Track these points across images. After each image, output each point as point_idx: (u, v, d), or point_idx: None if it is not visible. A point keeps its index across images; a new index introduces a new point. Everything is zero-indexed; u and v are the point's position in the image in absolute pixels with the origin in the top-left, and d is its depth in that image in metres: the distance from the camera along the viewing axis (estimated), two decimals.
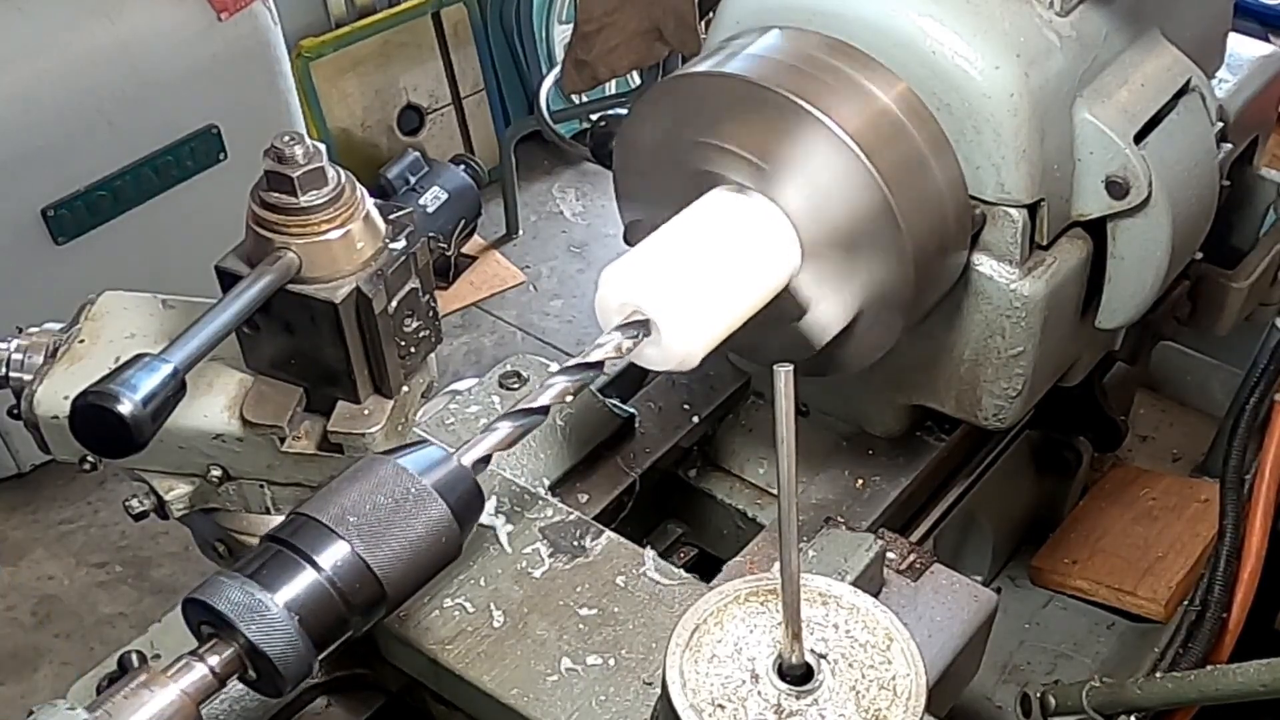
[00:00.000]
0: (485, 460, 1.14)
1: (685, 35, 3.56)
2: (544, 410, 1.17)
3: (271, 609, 1.01)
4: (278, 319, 1.22)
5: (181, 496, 1.33)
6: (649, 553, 1.41)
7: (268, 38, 3.36)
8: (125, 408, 1.04)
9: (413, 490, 1.08)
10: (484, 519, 1.44)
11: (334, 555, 1.04)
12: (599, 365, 1.21)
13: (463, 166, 4.25)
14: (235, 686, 1.29)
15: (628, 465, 1.67)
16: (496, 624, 1.34)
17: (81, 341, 1.32)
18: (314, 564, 1.03)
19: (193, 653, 1.01)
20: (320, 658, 1.05)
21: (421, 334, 1.28)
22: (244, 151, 3.30)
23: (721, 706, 0.99)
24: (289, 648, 1.01)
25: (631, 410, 1.71)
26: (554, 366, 1.61)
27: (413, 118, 4.39)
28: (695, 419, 1.74)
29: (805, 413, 1.75)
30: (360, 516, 1.05)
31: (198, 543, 1.46)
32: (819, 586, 1.06)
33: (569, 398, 1.20)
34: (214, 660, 1.01)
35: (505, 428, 1.16)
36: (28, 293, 3.03)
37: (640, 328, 1.23)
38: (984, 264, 1.44)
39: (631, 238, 1.49)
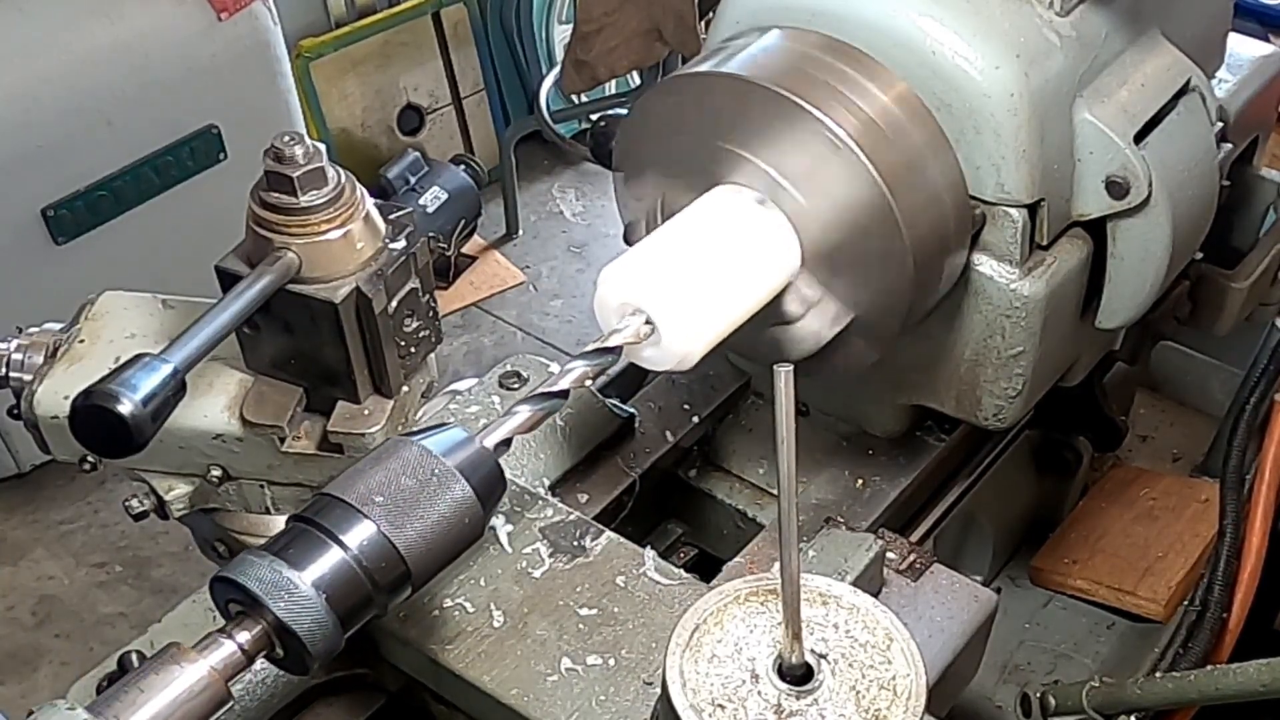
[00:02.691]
0: (506, 443, 1.16)
1: (685, 35, 3.56)
2: (564, 394, 1.18)
3: (299, 587, 1.02)
4: (278, 319, 1.22)
5: (181, 496, 1.33)
6: (649, 553, 1.41)
7: (268, 38, 3.36)
8: (125, 408, 1.05)
9: (436, 471, 1.09)
10: None
11: (360, 535, 1.05)
12: (617, 350, 1.22)
13: (463, 166, 4.25)
14: (238, 686, 1.29)
15: (628, 465, 1.67)
16: (496, 624, 1.34)
17: (81, 341, 1.32)
18: (340, 543, 1.05)
19: (221, 630, 1.03)
20: (345, 635, 1.06)
21: (421, 334, 1.28)
22: (244, 151, 3.30)
23: (721, 706, 0.99)
24: (316, 625, 1.03)
25: (631, 410, 1.71)
26: (554, 366, 1.62)
27: (413, 118, 4.39)
28: (695, 419, 1.74)
29: (805, 413, 1.75)
30: (385, 496, 1.07)
31: (198, 543, 1.46)
32: (819, 586, 1.06)
33: (588, 381, 1.20)
34: (243, 637, 1.02)
35: (525, 411, 1.17)
36: (28, 293, 3.03)
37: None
38: (984, 264, 1.44)
39: (631, 238, 1.49)
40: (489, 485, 1.12)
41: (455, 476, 1.09)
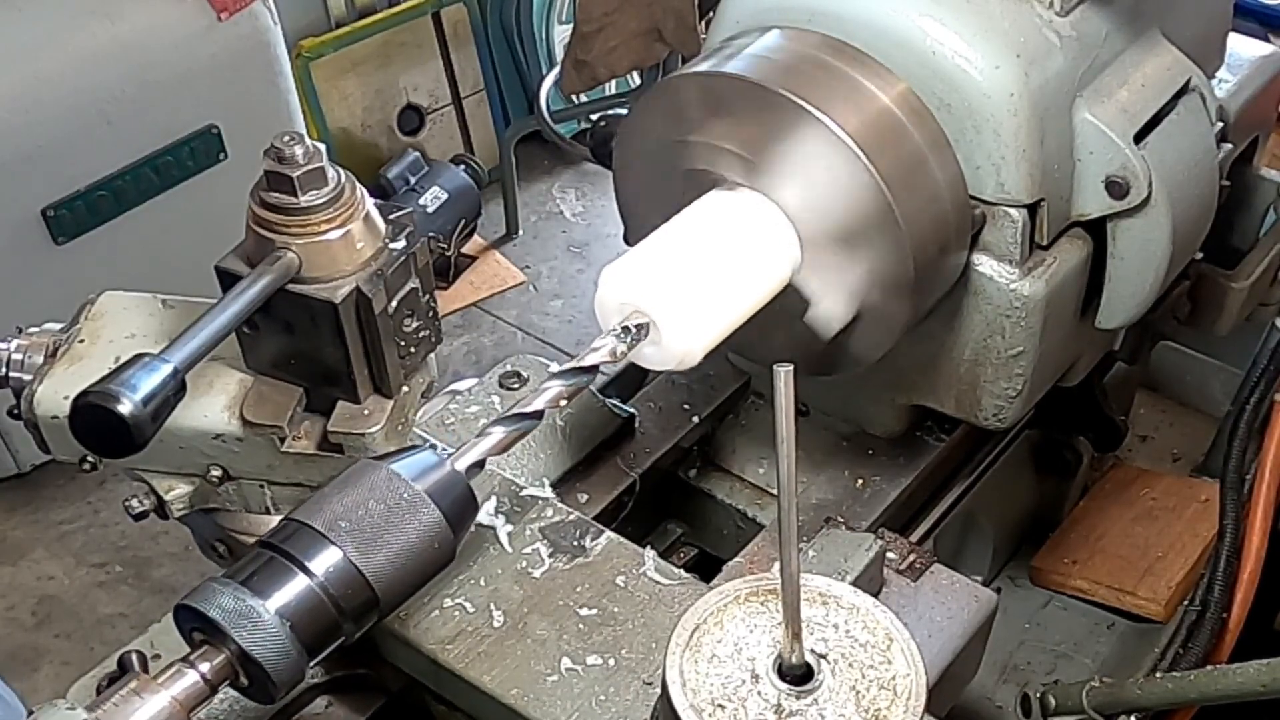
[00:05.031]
0: (479, 465, 1.14)
1: (685, 35, 3.56)
2: (538, 415, 1.17)
3: (263, 615, 1.01)
4: (278, 319, 1.22)
5: (181, 496, 1.33)
6: (649, 553, 1.41)
7: (268, 38, 3.35)
8: (125, 408, 1.04)
9: (405, 496, 1.08)
10: (484, 519, 1.44)
11: (326, 561, 1.04)
12: (594, 369, 1.21)
13: (463, 166, 4.25)
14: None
15: (628, 465, 1.67)
16: (496, 624, 1.34)
17: (81, 341, 1.32)
18: (306, 570, 1.04)
19: (184, 659, 1.01)
20: (312, 664, 1.05)
21: (421, 334, 1.28)
22: (244, 151, 3.30)
23: (721, 706, 0.99)
24: (280, 654, 1.01)
25: (631, 410, 1.71)
26: (554, 366, 1.61)
27: (413, 118, 4.39)
28: (695, 419, 1.74)
29: (805, 413, 1.75)
30: (353, 522, 1.06)
31: (198, 543, 1.46)
32: (819, 586, 1.06)
33: (563, 402, 1.20)
34: (205, 667, 1.01)
35: (499, 432, 1.16)
36: (28, 293, 3.03)
37: (635, 331, 1.23)
38: (984, 264, 1.44)
39: (631, 237, 1.49)
40: (460, 509, 1.11)
41: (425, 501, 1.08)
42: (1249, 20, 2.57)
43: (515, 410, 1.17)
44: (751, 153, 1.35)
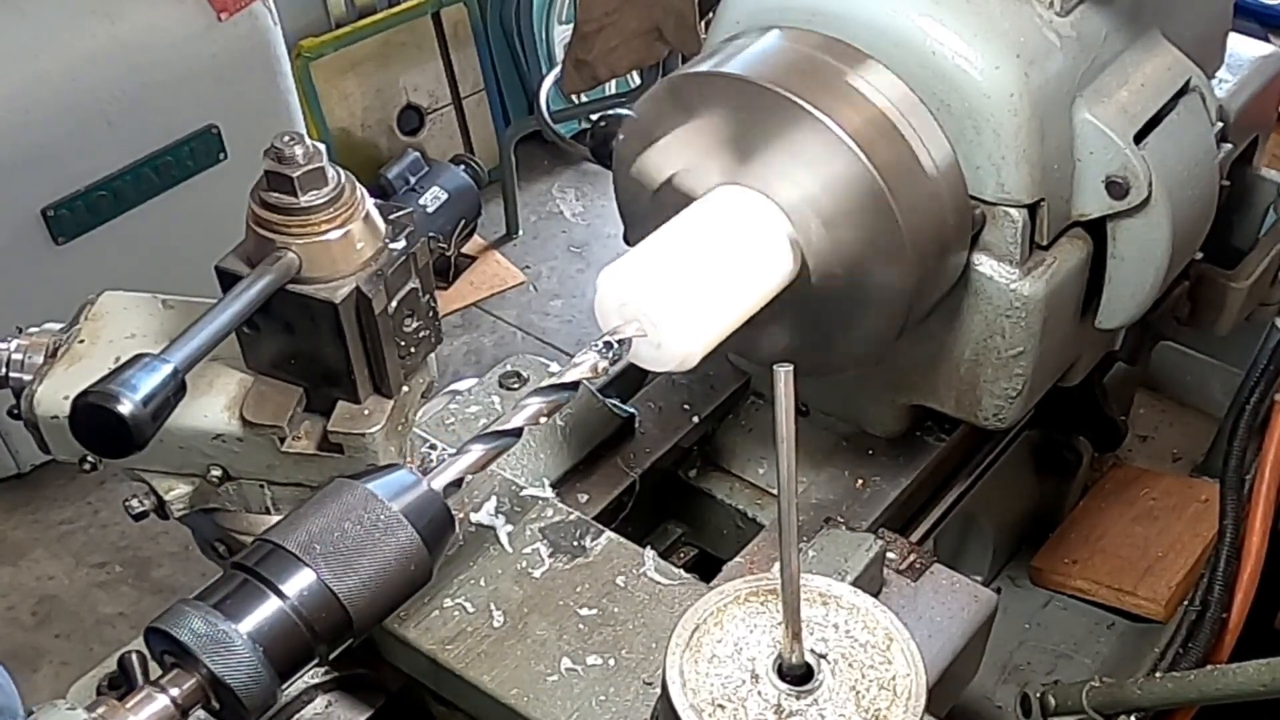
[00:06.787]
0: (457, 484, 1.14)
1: (685, 35, 3.56)
2: (516, 433, 1.17)
3: (235, 639, 1.00)
4: (278, 319, 1.22)
5: (181, 496, 1.33)
6: (649, 553, 1.41)
7: (268, 38, 3.36)
8: (125, 408, 1.04)
9: (382, 517, 1.07)
10: (484, 519, 1.44)
11: (299, 584, 1.03)
12: (574, 386, 1.21)
13: (463, 166, 4.25)
14: None
15: (628, 465, 1.67)
16: (496, 624, 1.34)
17: (81, 341, 1.32)
18: (279, 593, 1.03)
19: (154, 683, 1.01)
20: (284, 687, 1.04)
21: (421, 334, 1.28)
22: (244, 151, 3.30)
23: (721, 706, 0.99)
24: (252, 679, 1.01)
25: (631, 410, 1.71)
26: (554, 366, 1.62)
27: (413, 118, 4.39)
28: (695, 419, 1.74)
29: (805, 413, 1.75)
30: (327, 544, 1.05)
31: (198, 543, 1.46)
32: (819, 586, 1.06)
33: (543, 419, 1.19)
34: (175, 691, 1.00)
35: (477, 450, 1.16)
36: (28, 293, 3.03)
37: (618, 346, 1.23)
38: (984, 264, 1.44)
39: (631, 238, 1.49)
40: (437, 529, 1.10)
41: (401, 522, 1.07)
42: (1249, 20, 2.57)
43: (494, 428, 1.17)
44: (751, 153, 1.35)
